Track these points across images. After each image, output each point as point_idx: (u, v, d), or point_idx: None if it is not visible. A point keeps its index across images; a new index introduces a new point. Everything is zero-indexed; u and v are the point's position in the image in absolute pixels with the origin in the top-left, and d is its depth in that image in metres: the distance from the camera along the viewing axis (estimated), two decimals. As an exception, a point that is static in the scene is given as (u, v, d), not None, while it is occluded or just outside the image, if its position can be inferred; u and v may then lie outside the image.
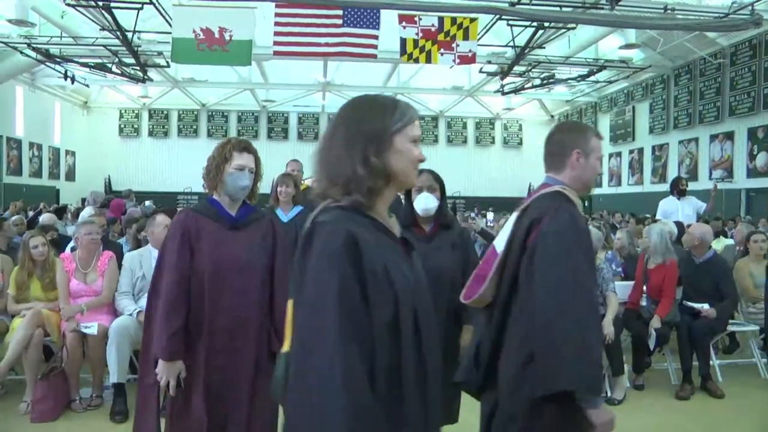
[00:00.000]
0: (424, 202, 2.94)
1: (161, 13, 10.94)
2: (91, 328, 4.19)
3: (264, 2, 10.10)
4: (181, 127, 22.81)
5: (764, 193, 12.86)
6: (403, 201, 3.00)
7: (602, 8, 9.93)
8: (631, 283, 5.25)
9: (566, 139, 2.13)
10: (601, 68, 14.99)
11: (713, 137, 14.37)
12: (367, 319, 1.25)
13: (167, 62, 14.03)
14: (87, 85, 17.99)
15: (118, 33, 11.28)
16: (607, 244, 6.08)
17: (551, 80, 15.64)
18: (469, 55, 10.51)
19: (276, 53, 10.44)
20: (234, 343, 2.44)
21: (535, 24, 11.19)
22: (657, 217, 7.85)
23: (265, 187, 3.09)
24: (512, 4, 9.66)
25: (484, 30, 11.81)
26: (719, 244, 7.17)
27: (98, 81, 17.84)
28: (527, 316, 1.90)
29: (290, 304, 1.36)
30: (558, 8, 9.93)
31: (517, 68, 14.19)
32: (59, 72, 14.71)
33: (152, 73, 15.71)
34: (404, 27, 10.21)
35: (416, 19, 10.18)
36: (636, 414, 4.23)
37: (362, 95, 1.52)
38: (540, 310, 1.86)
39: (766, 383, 5.02)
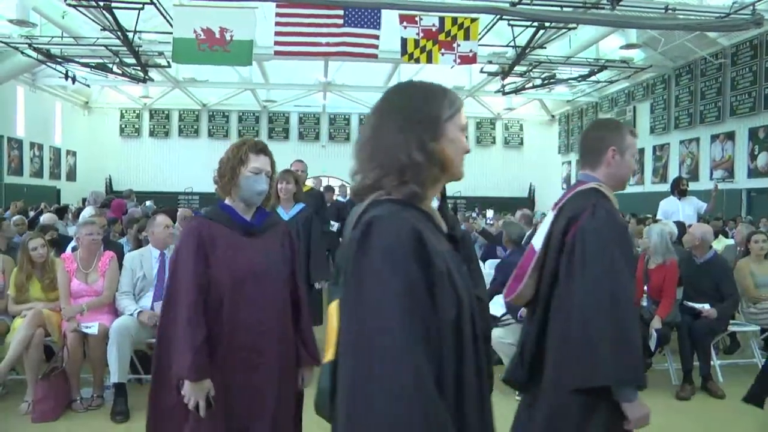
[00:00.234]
0: None
1: (162, 13, 10.94)
2: (92, 328, 4.19)
3: (265, 2, 10.10)
4: (182, 127, 22.82)
5: (765, 193, 12.85)
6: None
7: (603, 8, 9.92)
8: (632, 283, 5.24)
9: (602, 137, 2.14)
10: (602, 68, 14.98)
11: (714, 137, 14.36)
12: (434, 321, 1.17)
13: (168, 62, 14.05)
14: (88, 85, 18.00)
15: (119, 33, 11.28)
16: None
17: (552, 80, 15.63)
18: (470, 55, 10.51)
19: (277, 53, 10.45)
20: (255, 359, 2.27)
21: (536, 24, 11.18)
22: (658, 217, 7.85)
23: None
24: (513, 4, 9.66)
25: (485, 30, 11.81)
26: (720, 244, 7.17)
27: (99, 81, 17.84)
28: (566, 313, 1.93)
29: (334, 307, 1.26)
30: (559, 8, 9.93)
31: (517, 68, 14.19)
32: (60, 72, 14.72)
33: (153, 73, 15.71)
34: (405, 27, 10.21)
35: (417, 19, 10.17)
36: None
37: (408, 81, 1.44)
38: (578, 306, 1.89)
39: (767, 383, 5.01)
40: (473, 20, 10.32)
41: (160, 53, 13.86)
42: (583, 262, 1.91)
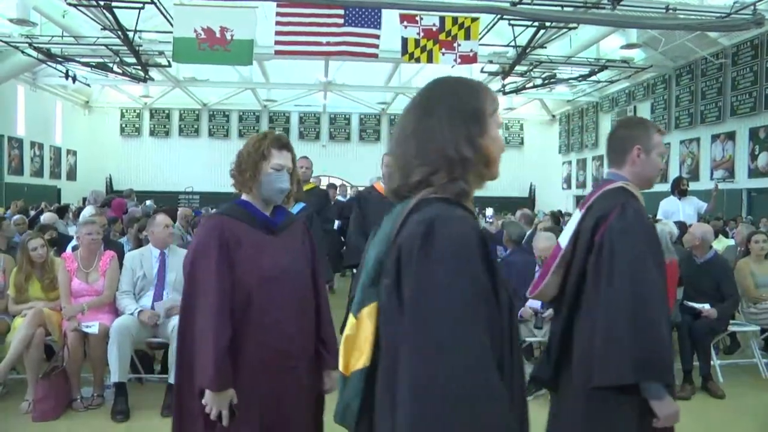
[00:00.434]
0: None
1: (162, 13, 10.94)
2: (92, 328, 4.19)
3: (265, 2, 10.09)
4: (182, 127, 22.82)
5: (765, 193, 12.84)
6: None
7: (604, 8, 9.92)
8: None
9: (627, 135, 2.15)
10: (603, 68, 14.97)
11: (715, 137, 14.36)
12: (498, 323, 1.16)
13: (168, 62, 14.03)
14: (88, 85, 17.99)
15: (120, 32, 11.27)
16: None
17: (552, 80, 15.62)
18: (471, 54, 10.50)
19: (277, 53, 10.44)
20: (284, 362, 2.16)
21: (536, 24, 11.17)
22: (658, 217, 7.84)
23: None
24: (514, 4, 9.66)
25: (486, 30, 11.80)
26: (720, 244, 7.17)
27: (99, 80, 17.83)
28: (594, 312, 1.94)
29: (370, 311, 1.22)
30: (559, 8, 9.92)
31: (518, 68, 14.17)
32: (60, 71, 14.72)
33: (153, 72, 15.70)
34: (405, 27, 10.21)
35: (417, 18, 10.17)
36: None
37: (447, 76, 1.37)
38: (606, 305, 1.90)
39: (767, 384, 5.01)
40: (474, 20, 10.32)
41: (161, 53, 13.85)
42: (612, 261, 1.92)
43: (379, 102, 22.24)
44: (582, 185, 20.66)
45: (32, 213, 10.01)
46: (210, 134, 22.74)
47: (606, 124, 19.35)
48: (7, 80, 15.77)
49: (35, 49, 13.06)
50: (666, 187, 8.44)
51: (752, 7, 9.97)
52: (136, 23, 11.14)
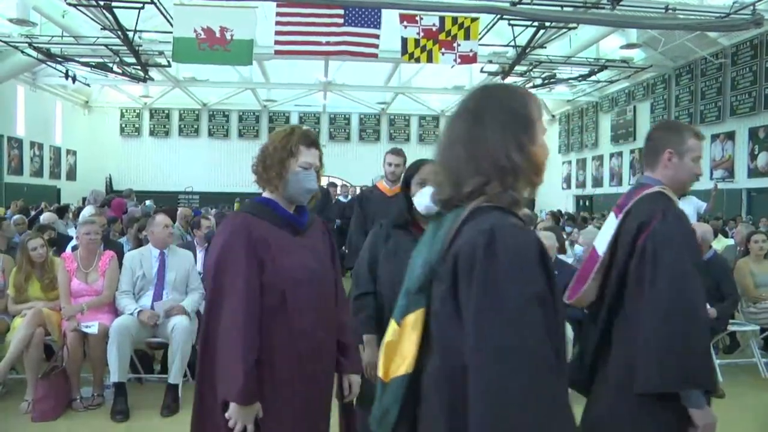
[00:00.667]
0: (429, 199, 2.68)
1: (162, 13, 10.94)
2: (92, 328, 4.19)
3: (265, 2, 10.09)
4: (182, 127, 22.83)
5: (765, 193, 12.85)
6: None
7: (603, 8, 9.92)
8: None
9: (660, 138, 2.13)
10: (603, 68, 14.98)
11: (714, 137, 14.35)
12: (557, 329, 1.18)
13: (168, 62, 14.04)
14: (88, 85, 17.99)
15: (119, 32, 11.27)
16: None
17: (552, 80, 15.63)
18: (471, 54, 10.51)
19: (277, 53, 10.44)
20: (312, 368, 2.04)
21: (536, 24, 11.18)
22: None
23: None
24: (513, 4, 9.66)
25: (485, 30, 11.81)
26: (720, 244, 7.17)
27: (99, 80, 17.83)
28: (636, 317, 1.92)
29: (416, 318, 1.24)
30: (559, 8, 9.92)
31: (518, 68, 14.18)
32: (60, 71, 14.72)
33: (153, 72, 15.71)
34: (405, 26, 10.21)
35: (417, 18, 10.18)
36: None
37: (493, 83, 1.39)
38: (650, 310, 1.88)
39: (767, 383, 5.01)
40: (473, 20, 10.33)
41: (161, 52, 13.85)
42: (655, 267, 1.90)
43: (379, 102, 22.25)
44: (582, 185, 20.66)
45: (32, 213, 10.01)
46: (210, 134, 22.74)
47: (606, 124, 19.36)
48: (7, 80, 15.77)
49: (35, 49, 13.06)
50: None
51: (751, 7, 9.98)
52: (136, 23, 11.14)
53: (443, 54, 10.38)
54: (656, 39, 14.00)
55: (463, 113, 1.30)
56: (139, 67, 14.35)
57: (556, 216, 11.90)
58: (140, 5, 10.26)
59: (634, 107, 18.01)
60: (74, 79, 15.19)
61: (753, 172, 13.11)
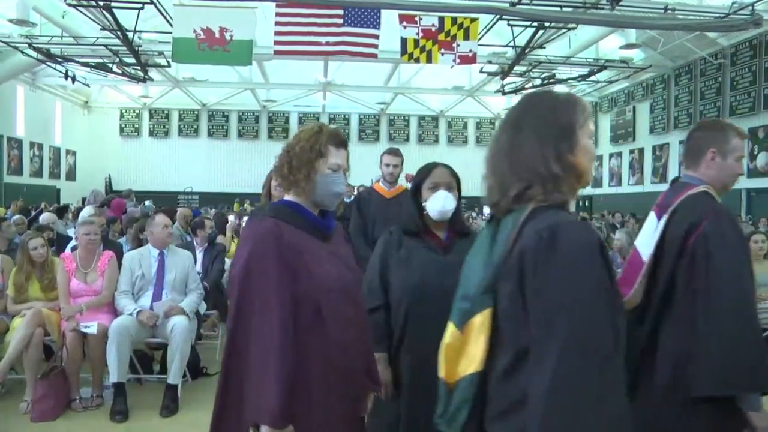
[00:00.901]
0: (443, 203, 2.37)
1: (162, 13, 10.94)
2: (91, 328, 4.20)
3: (264, 2, 10.10)
4: (181, 127, 22.82)
5: (765, 193, 12.86)
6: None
7: (603, 8, 9.92)
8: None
9: (703, 137, 2.12)
10: (602, 68, 14.99)
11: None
12: (618, 323, 1.21)
13: (168, 62, 14.04)
14: (88, 85, 17.99)
15: (119, 33, 11.28)
16: (607, 245, 6.08)
17: (552, 80, 15.63)
18: (470, 55, 10.52)
19: (276, 53, 10.44)
20: (348, 388, 1.88)
21: (535, 24, 11.18)
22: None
23: (256, 184, 2.77)
24: (513, 4, 9.66)
25: (485, 30, 11.81)
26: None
27: (99, 81, 17.83)
28: (688, 319, 1.90)
29: (483, 318, 1.29)
30: (558, 8, 9.92)
31: (517, 68, 14.19)
32: (60, 72, 14.72)
33: (153, 72, 15.71)
34: (405, 27, 10.22)
35: (417, 19, 10.18)
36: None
37: (540, 90, 1.46)
38: (708, 312, 1.86)
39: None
40: (473, 20, 10.33)
41: (160, 53, 13.86)
42: (709, 268, 1.88)
43: (378, 102, 22.25)
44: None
45: (32, 213, 10.00)
46: (209, 134, 22.74)
47: (605, 125, 19.37)
48: (7, 80, 15.77)
49: (35, 49, 13.06)
50: (665, 187, 8.44)
51: (750, 8, 9.99)
52: (136, 23, 11.14)
53: (442, 54, 10.38)
54: (655, 39, 14.01)
55: (506, 124, 1.39)
56: (138, 68, 14.35)
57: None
58: (140, 5, 10.26)
59: (634, 107, 18.03)
60: (74, 80, 15.19)
61: (752, 172, 13.12)
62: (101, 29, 11.80)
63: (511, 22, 11.31)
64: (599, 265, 1.19)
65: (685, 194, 2.06)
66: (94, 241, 4.59)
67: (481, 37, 11.18)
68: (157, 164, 22.50)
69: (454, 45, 10.33)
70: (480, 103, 21.72)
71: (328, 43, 9.95)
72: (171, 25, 10.27)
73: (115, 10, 10.32)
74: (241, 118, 22.89)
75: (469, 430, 1.31)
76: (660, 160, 16.77)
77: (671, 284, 1.99)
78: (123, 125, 22.67)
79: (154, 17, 11.81)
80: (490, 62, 14.34)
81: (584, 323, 1.14)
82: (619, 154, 19.09)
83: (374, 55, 10.33)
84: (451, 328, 1.35)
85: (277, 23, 9.93)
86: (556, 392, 1.12)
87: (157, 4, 10.53)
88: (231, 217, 8.97)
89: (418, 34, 10.23)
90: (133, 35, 11.68)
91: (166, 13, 10.81)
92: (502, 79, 15.37)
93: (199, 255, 5.91)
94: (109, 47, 13.03)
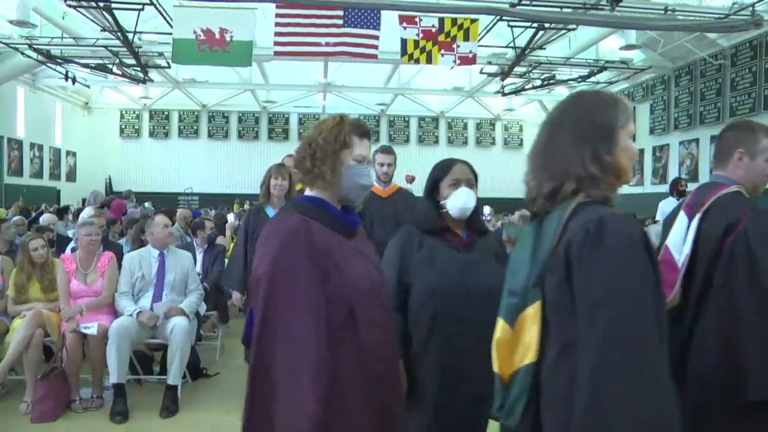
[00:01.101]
0: (464, 200, 2.34)
1: (162, 14, 10.94)
2: (91, 329, 4.20)
3: (264, 3, 10.10)
4: (181, 128, 22.81)
5: (764, 193, 12.82)
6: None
7: (603, 9, 9.92)
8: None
9: (733, 137, 2.13)
10: (602, 69, 14.98)
11: (714, 138, 14.36)
12: (662, 315, 1.24)
13: (168, 63, 14.03)
14: (88, 86, 17.98)
15: (119, 34, 11.28)
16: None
17: (552, 81, 15.64)
18: (470, 56, 10.51)
19: (276, 54, 10.44)
20: (384, 395, 1.77)
21: (535, 25, 11.18)
22: (657, 218, 7.86)
23: (256, 185, 2.72)
24: (513, 5, 9.66)
25: (485, 31, 11.81)
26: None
27: (99, 82, 17.83)
28: (728, 319, 1.89)
29: (535, 310, 1.32)
30: (558, 9, 9.92)
31: (517, 69, 14.18)
32: (60, 73, 14.71)
33: (153, 73, 15.71)
34: (405, 28, 10.22)
35: (417, 19, 10.18)
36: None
37: (581, 91, 1.47)
38: (754, 313, 1.84)
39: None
40: (473, 21, 10.33)
41: (160, 54, 13.85)
42: (752, 268, 1.87)
43: (378, 103, 22.23)
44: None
45: (33, 214, 10.01)
46: (209, 135, 22.72)
47: (605, 125, 19.37)
48: (7, 81, 15.77)
49: (35, 50, 13.06)
50: (665, 188, 8.45)
51: (751, 8, 9.99)
52: (136, 24, 11.14)
53: (443, 55, 10.38)
54: (655, 40, 14.02)
55: (547, 124, 1.43)
56: (138, 69, 14.34)
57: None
58: (140, 7, 10.26)
59: (634, 108, 17.99)
60: (74, 81, 15.18)
61: (752, 173, 13.12)
62: (101, 30, 11.80)
63: (511, 23, 11.31)
64: (642, 258, 1.21)
65: (718, 194, 2.06)
66: (95, 242, 4.60)
67: (481, 38, 11.18)
68: (157, 165, 22.49)
69: (454, 46, 10.33)
70: (480, 104, 21.72)
71: (328, 44, 9.96)
72: (171, 26, 10.27)
73: (115, 11, 10.33)
74: (241, 119, 22.88)
75: (527, 420, 1.34)
76: (660, 161, 16.77)
77: (708, 283, 1.98)
78: (123, 126, 22.67)
79: (154, 18, 11.82)
80: (490, 63, 14.34)
81: (625, 317, 1.16)
82: (619, 155, 19.10)
83: (374, 56, 10.33)
84: (500, 324, 1.39)
85: (277, 24, 9.93)
86: (597, 384, 1.15)
87: (157, 5, 10.53)
88: (230, 218, 8.98)
89: (418, 34, 10.23)
90: (133, 36, 11.67)
91: (166, 14, 10.81)
92: (502, 80, 15.36)
93: (199, 256, 5.91)
94: (109, 48, 13.03)
